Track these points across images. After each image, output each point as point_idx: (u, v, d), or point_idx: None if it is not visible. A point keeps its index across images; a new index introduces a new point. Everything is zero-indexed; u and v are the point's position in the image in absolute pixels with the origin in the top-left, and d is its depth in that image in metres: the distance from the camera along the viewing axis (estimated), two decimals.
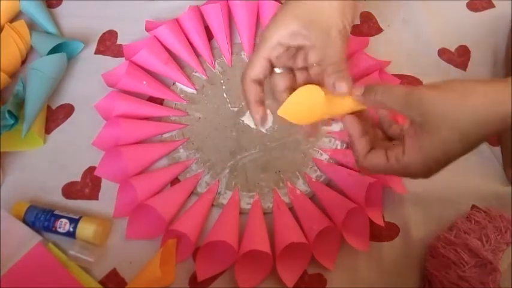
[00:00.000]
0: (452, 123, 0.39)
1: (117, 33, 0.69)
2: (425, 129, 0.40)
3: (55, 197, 0.58)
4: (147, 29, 0.66)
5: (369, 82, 0.52)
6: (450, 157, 0.40)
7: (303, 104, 0.45)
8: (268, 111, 0.62)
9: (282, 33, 0.46)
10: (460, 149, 0.40)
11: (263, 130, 0.61)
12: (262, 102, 0.48)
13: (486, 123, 0.38)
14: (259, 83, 0.47)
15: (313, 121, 0.47)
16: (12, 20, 0.68)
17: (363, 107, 0.44)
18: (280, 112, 0.45)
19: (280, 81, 0.48)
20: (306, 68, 0.49)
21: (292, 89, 0.47)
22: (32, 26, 0.68)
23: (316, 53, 0.46)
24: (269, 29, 0.46)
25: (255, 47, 0.49)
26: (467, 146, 0.40)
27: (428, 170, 0.42)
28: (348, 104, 0.44)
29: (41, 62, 0.62)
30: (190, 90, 0.65)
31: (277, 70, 0.48)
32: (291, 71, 0.48)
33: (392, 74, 0.65)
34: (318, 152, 0.60)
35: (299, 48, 0.47)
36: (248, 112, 0.62)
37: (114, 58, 0.67)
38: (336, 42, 0.46)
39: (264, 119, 0.48)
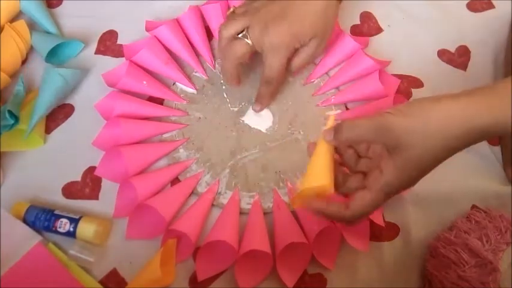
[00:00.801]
0: (424, 143, 0.41)
1: (117, 33, 0.69)
2: (401, 148, 0.41)
3: (55, 197, 0.58)
4: (147, 29, 0.66)
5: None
6: (424, 171, 0.43)
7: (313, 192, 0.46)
8: (269, 111, 0.63)
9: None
10: (432, 162, 0.42)
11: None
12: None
13: (456, 138, 0.40)
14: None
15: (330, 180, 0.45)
16: (12, 20, 0.68)
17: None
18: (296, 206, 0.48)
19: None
20: None
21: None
22: (32, 26, 0.68)
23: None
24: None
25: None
26: (440, 159, 0.42)
27: (405, 183, 0.44)
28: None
29: (68, 72, 0.62)
30: (190, 90, 0.65)
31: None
32: None
33: (392, 74, 0.65)
34: None
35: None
36: (248, 112, 0.63)
37: (115, 58, 0.67)
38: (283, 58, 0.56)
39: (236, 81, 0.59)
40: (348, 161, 0.47)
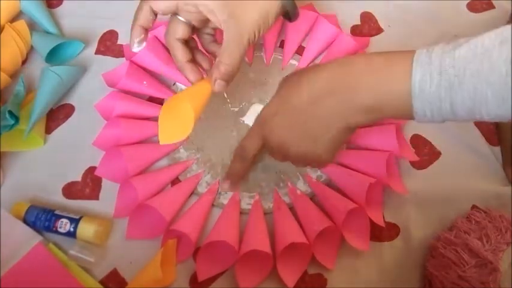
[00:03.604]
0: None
1: (117, 33, 0.69)
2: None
3: (55, 197, 0.58)
4: None
5: None
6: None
7: (175, 120, 0.48)
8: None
9: (205, 4, 0.47)
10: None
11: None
12: (145, 30, 0.51)
13: None
14: (155, 14, 0.49)
15: (196, 120, 0.48)
16: (12, 20, 0.68)
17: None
18: (162, 141, 0.48)
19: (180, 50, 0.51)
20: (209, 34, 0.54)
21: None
22: (33, 26, 0.68)
23: (223, 42, 0.49)
24: None
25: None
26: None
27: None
28: (207, 86, 0.50)
29: (62, 69, 0.62)
30: None
31: (180, 18, 0.50)
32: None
33: None
34: None
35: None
36: (248, 112, 0.63)
37: (115, 58, 0.67)
38: (243, 47, 0.49)
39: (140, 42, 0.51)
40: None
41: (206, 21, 0.51)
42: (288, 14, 0.53)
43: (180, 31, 0.50)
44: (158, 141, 0.60)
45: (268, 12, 0.50)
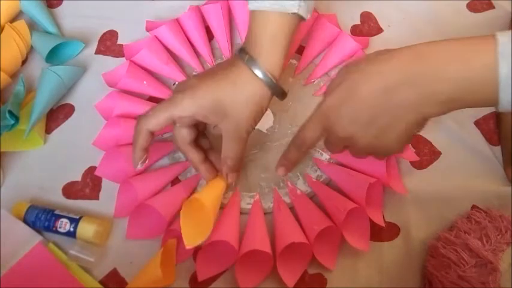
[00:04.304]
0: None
1: (117, 33, 0.69)
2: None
3: (55, 197, 0.58)
4: (148, 29, 0.66)
5: None
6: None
7: (196, 223, 0.51)
8: (269, 111, 0.63)
9: (196, 111, 0.50)
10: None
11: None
12: (146, 150, 0.52)
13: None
14: (152, 133, 0.51)
15: (215, 214, 0.52)
16: (12, 20, 0.68)
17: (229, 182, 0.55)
18: (188, 245, 0.50)
19: (195, 153, 0.54)
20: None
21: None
22: (33, 26, 0.68)
23: (223, 140, 0.52)
24: (187, 96, 0.49)
25: (166, 101, 0.51)
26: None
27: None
28: (221, 182, 0.55)
29: (62, 69, 0.62)
30: None
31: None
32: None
33: None
34: (318, 152, 0.60)
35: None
36: None
37: (115, 58, 0.67)
38: (243, 140, 0.52)
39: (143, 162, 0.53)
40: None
41: (204, 122, 0.53)
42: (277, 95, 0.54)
43: (187, 136, 0.52)
44: (158, 142, 0.60)
45: (260, 103, 0.52)
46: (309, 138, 0.50)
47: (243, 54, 0.52)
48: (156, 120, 0.50)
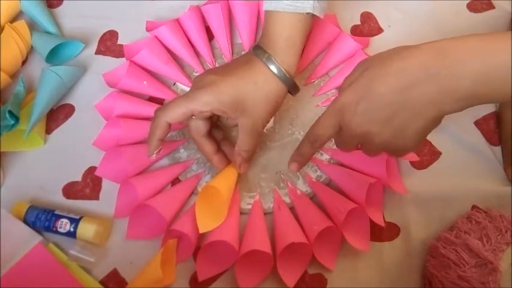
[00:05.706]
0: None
1: (117, 33, 0.69)
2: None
3: (55, 197, 0.58)
4: (148, 29, 0.66)
5: None
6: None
7: (210, 209, 0.53)
8: None
9: (216, 107, 0.51)
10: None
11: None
12: (162, 141, 0.53)
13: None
14: (169, 126, 0.52)
15: (228, 201, 0.54)
16: (12, 20, 0.68)
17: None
18: (202, 230, 0.52)
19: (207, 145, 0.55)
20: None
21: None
22: (33, 26, 0.68)
23: (239, 133, 0.54)
24: (208, 92, 0.51)
25: (185, 95, 0.52)
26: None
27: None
28: (233, 171, 0.56)
29: (62, 69, 0.62)
30: None
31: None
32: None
33: None
34: (319, 152, 0.60)
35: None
36: None
37: (115, 58, 0.67)
38: (258, 134, 0.54)
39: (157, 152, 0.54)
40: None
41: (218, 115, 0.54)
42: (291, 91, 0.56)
43: (203, 128, 0.54)
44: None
45: (277, 100, 0.54)
46: (322, 134, 0.49)
47: (260, 52, 0.54)
48: (176, 114, 0.51)
